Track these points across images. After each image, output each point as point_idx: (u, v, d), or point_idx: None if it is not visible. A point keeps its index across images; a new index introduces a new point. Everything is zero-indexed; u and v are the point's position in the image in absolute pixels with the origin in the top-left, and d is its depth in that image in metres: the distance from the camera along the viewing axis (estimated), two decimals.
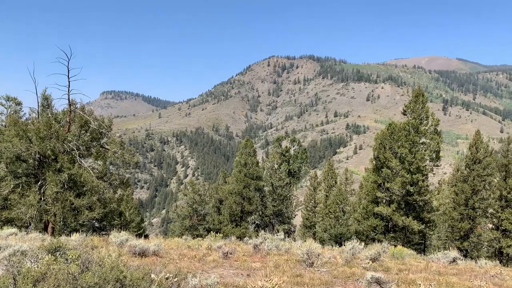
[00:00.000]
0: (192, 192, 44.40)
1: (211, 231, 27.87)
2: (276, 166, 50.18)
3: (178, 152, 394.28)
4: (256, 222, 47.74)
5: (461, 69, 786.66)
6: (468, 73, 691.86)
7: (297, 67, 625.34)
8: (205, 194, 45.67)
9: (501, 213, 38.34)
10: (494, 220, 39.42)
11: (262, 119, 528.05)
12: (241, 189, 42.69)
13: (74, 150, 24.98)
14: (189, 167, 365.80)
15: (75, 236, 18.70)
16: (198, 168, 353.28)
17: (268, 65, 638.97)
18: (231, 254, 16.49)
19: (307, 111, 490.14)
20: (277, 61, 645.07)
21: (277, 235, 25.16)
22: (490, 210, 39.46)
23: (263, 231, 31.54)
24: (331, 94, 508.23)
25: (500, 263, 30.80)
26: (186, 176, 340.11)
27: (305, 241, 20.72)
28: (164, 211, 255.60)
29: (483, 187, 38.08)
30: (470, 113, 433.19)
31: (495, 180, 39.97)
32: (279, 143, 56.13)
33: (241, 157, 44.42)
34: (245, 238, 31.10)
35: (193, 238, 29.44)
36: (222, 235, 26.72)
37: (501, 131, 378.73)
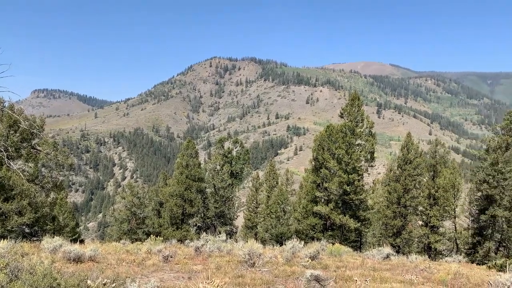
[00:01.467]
0: (131, 195, 43.06)
1: (151, 235, 27.21)
2: (218, 167, 49.98)
3: (116, 153, 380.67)
4: (198, 224, 47.26)
5: (394, 74, 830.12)
6: (400, 78, 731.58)
7: (239, 69, 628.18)
8: (144, 197, 44.48)
9: (430, 210, 40.97)
10: (424, 217, 42.02)
11: (204, 120, 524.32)
12: (182, 191, 42.08)
13: (2, 151, 23.31)
14: (127, 169, 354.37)
15: (3, 243, 17.47)
16: (137, 170, 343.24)
17: (210, 66, 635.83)
18: (171, 257, 16.22)
19: (249, 112, 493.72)
20: (219, 62, 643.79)
21: (219, 237, 25.09)
22: (420, 208, 42.00)
23: (204, 233, 31.30)
24: (273, 96, 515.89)
25: (428, 257, 32.85)
26: (124, 178, 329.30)
27: (247, 241, 20.86)
28: (100, 215, 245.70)
29: (414, 186, 40.44)
30: (402, 116, 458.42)
31: (424, 179, 42.63)
32: (221, 144, 56.01)
33: (182, 159, 43.78)
34: (186, 241, 30.71)
35: (132, 242, 28.59)
36: (162, 238, 26.17)
37: (430, 133, 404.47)
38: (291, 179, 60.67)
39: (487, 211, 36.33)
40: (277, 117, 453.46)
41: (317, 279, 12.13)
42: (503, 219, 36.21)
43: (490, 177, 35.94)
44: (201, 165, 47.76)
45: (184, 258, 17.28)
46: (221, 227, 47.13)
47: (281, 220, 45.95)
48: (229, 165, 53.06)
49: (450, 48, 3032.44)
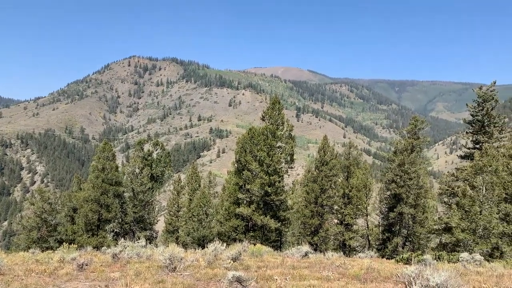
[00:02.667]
0: (41, 200, 40.04)
1: (64, 243, 25.52)
2: (137, 170, 48.30)
3: (24, 156, 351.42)
4: (116, 230, 45.26)
5: (312, 80, 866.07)
6: (317, 84, 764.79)
7: (160, 69, 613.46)
8: (56, 203, 41.59)
9: (344, 209, 43.23)
10: (339, 215, 44.22)
11: (122, 121, 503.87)
12: (98, 195, 40.05)
13: None
14: (37, 173, 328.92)
15: None
16: (48, 174, 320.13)
17: (129, 65, 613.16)
18: (87, 265, 15.35)
19: (170, 114, 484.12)
20: (138, 61, 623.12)
21: (138, 242, 24.26)
22: (336, 207, 44.14)
23: (123, 239, 30.05)
24: (195, 98, 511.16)
25: (344, 254, 34.65)
26: (33, 183, 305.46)
27: (168, 246, 20.39)
28: (6, 223, 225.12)
29: (330, 186, 42.40)
30: (319, 120, 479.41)
31: (339, 179, 44.91)
32: (141, 146, 54.21)
33: (98, 162, 41.67)
34: (103, 248, 29.24)
35: (43, 251, 26.60)
36: (76, 246, 24.67)
37: (344, 137, 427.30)
38: (213, 181, 60.46)
39: (395, 209, 39.18)
40: (199, 119, 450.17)
41: (239, 280, 12.21)
42: (409, 215, 39.31)
43: (398, 177, 38.82)
44: (119, 168, 45.83)
45: (101, 265, 16.44)
46: (140, 232, 45.59)
47: (203, 223, 45.61)
48: (149, 168, 51.53)
49: (362, 56, 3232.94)
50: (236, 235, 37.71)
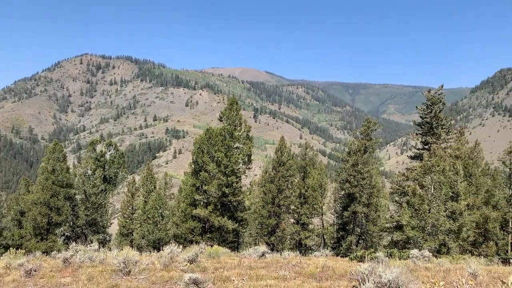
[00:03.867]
0: None
1: (10, 248, 24.25)
2: (89, 172, 46.74)
3: None
4: (66, 233, 43.59)
5: (269, 81, 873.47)
6: (274, 85, 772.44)
7: (113, 68, 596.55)
8: (2, 206, 39.49)
9: (301, 208, 43.89)
10: (295, 215, 44.84)
11: (74, 121, 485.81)
12: (48, 198, 38.39)
13: None
14: None
15: None
16: None
17: (81, 63, 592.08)
18: (35, 271, 14.66)
19: (125, 113, 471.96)
20: (91, 59, 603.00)
21: (91, 246, 23.47)
22: (292, 207, 44.73)
23: (74, 243, 28.99)
24: (150, 97, 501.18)
25: (300, 253, 35.13)
26: None
27: (122, 249, 19.86)
28: None
29: (287, 186, 42.90)
30: (276, 121, 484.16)
31: (296, 180, 45.55)
32: (93, 147, 52.49)
33: (48, 163, 39.96)
34: (53, 253, 28.08)
35: None
36: (24, 251, 23.52)
37: (301, 137, 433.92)
38: (170, 182, 59.61)
39: (349, 208, 40.22)
40: (155, 119, 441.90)
41: (196, 282, 12.09)
42: (362, 214, 40.47)
43: (351, 177, 39.89)
44: (70, 170, 44.19)
45: (51, 271, 15.75)
46: (93, 235, 44.14)
47: (158, 225, 44.83)
48: (102, 169, 50.02)
49: (318, 59, 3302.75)
50: (193, 237, 37.31)
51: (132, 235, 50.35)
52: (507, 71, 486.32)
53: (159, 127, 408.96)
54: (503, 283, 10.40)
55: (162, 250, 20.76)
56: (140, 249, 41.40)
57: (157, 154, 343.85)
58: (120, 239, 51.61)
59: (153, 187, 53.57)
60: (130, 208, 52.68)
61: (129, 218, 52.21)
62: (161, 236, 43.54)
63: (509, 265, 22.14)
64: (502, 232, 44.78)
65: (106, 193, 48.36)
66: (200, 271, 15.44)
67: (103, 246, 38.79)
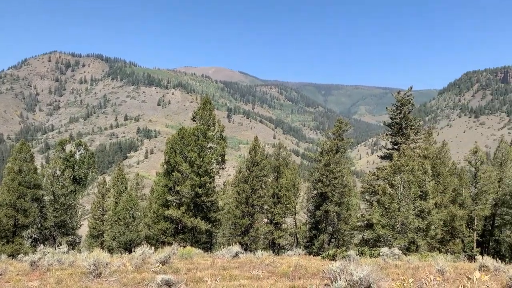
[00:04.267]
0: None
1: None
2: (58, 172, 45.51)
3: None
4: (34, 236, 42.30)
5: (243, 81, 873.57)
6: (248, 86, 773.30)
7: (83, 66, 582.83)
8: None
9: (274, 208, 44.10)
10: (269, 215, 45.02)
11: (42, 120, 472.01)
12: (14, 199, 37.15)
13: None
14: None
15: None
16: None
17: (49, 61, 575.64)
18: (1, 275, 14.22)
19: (95, 113, 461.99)
20: (60, 57, 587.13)
21: (60, 249, 22.89)
22: (266, 207, 44.90)
23: (42, 245, 28.17)
24: (121, 96, 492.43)
25: (273, 252, 35.29)
26: None
27: (92, 251, 19.46)
28: None
29: (260, 186, 43.03)
30: (250, 121, 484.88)
31: (269, 180, 45.75)
32: (62, 147, 51.18)
33: (14, 163, 38.67)
34: (19, 256, 27.20)
35: None
36: None
37: (274, 137, 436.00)
38: (141, 183, 58.83)
39: (321, 207, 40.70)
40: (126, 119, 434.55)
41: (168, 283, 11.98)
42: (334, 213, 41.03)
43: (324, 176, 40.37)
44: (38, 170, 42.92)
45: (17, 274, 15.26)
46: (62, 237, 43.01)
47: (130, 227, 44.17)
48: (71, 170, 48.83)
49: (291, 60, 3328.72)
50: (165, 238, 36.92)
51: (103, 237, 49.41)
52: (472, 74, 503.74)
53: (130, 127, 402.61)
54: (469, 279, 10.75)
55: (134, 251, 20.43)
56: (111, 251, 40.64)
57: (128, 154, 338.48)
58: (90, 241, 50.58)
59: (124, 187, 52.74)
60: (100, 209, 51.68)
61: (99, 220, 51.22)
62: (132, 237, 42.87)
63: (474, 262, 22.90)
64: (468, 229, 46.30)
65: (75, 194, 47.25)
66: (172, 272, 15.30)
67: (72, 248, 37.86)
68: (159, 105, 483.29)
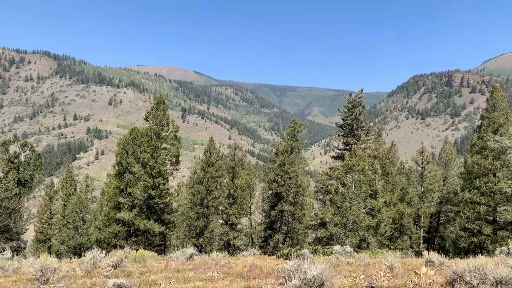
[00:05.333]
0: None
1: None
2: (1, 174, 43.09)
3: None
4: None
5: (198, 81, 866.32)
6: (203, 85, 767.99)
7: (29, 63, 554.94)
8: None
9: (229, 209, 44.05)
10: (224, 216, 44.92)
11: None
12: None
13: None
14: None
15: None
16: None
17: None
18: None
19: (42, 112, 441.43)
20: (3, 53, 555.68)
21: (3, 255, 21.66)
22: (221, 208, 44.77)
23: None
24: (70, 95, 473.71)
25: (228, 253, 35.19)
26: None
27: (39, 256, 18.59)
28: None
29: (216, 187, 42.86)
30: (205, 122, 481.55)
31: (225, 180, 45.65)
32: (5, 147, 48.44)
33: None
34: None
35: None
36: None
37: (230, 138, 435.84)
38: (91, 185, 57.03)
39: (276, 207, 41.10)
40: (75, 118, 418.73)
41: (120, 287, 11.66)
42: (289, 213, 41.57)
43: (279, 176, 40.81)
44: None
45: None
46: (5, 243, 40.74)
47: (79, 230, 42.67)
48: (15, 172, 46.38)
49: (246, 60, 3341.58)
50: (117, 241, 35.88)
51: (51, 241, 47.49)
52: (419, 78, 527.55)
53: (80, 127, 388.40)
54: (416, 274, 11.25)
55: (84, 256, 19.73)
56: (59, 255, 39.05)
57: (77, 155, 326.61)
58: (37, 245, 48.46)
59: (73, 190, 50.96)
60: (48, 212, 49.63)
61: (46, 223, 49.17)
62: (82, 241, 41.43)
63: (421, 257, 23.97)
64: (415, 226, 48.46)
65: (20, 197, 44.92)
66: (125, 276, 14.91)
67: (17, 254, 35.94)
68: (110, 104, 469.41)
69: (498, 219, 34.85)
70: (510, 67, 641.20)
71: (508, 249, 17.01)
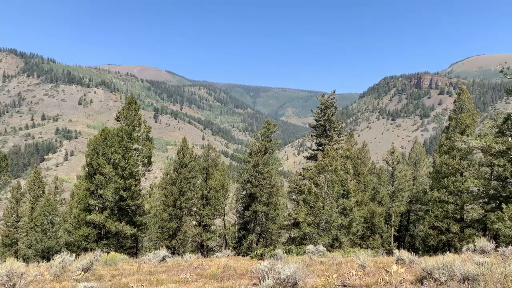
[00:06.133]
0: None
1: None
2: None
3: None
4: None
5: (170, 81, 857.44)
6: (176, 85, 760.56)
7: None
8: None
9: (203, 210, 43.77)
10: (197, 217, 44.60)
11: None
12: None
13: None
14: None
15: None
16: None
17: None
18: None
19: (8, 112, 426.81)
20: None
21: None
22: (194, 209, 44.45)
23: None
24: (38, 95, 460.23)
25: (202, 255, 34.95)
26: None
27: (5, 261, 17.96)
28: None
29: (189, 188, 42.53)
30: (178, 122, 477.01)
31: (198, 181, 45.35)
32: None
33: None
34: None
35: None
36: None
37: (203, 139, 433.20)
38: (60, 187, 55.65)
39: (250, 207, 41.13)
40: (43, 119, 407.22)
41: None
42: (263, 213, 41.68)
43: (253, 177, 40.85)
44: None
45: None
46: None
47: (48, 233, 41.53)
48: None
49: (220, 61, 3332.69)
50: (88, 244, 35.08)
51: (17, 245, 46.09)
52: (390, 79, 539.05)
53: (49, 127, 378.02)
54: (387, 272, 11.47)
55: (53, 259, 19.18)
56: (26, 260, 37.91)
57: (46, 156, 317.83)
58: (3, 250, 46.95)
59: (41, 192, 49.60)
60: (14, 215, 48.12)
61: (13, 227, 47.66)
62: (51, 244, 40.35)
63: (392, 256, 24.49)
64: (386, 225, 49.41)
65: None
66: (95, 279, 14.59)
67: None
68: (80, 104, 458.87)
69: (465, 217, 35.98)
70: (476, 69, 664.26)
71: (475, 246, 17.57)
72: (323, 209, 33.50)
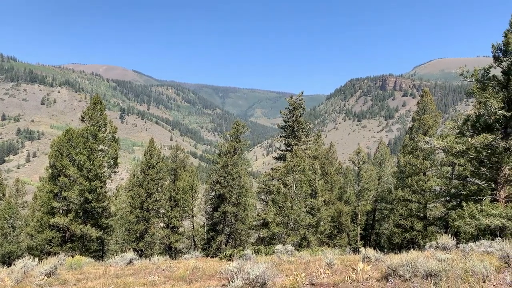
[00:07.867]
0: None
1: None
2: None
3: None
4: None
5: (137, 80, 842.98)
6: (143, 85, 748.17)
7: None
8: None
9: (171, 212, 43.29)
10: (165, 219, 44.06)
11: None
12: None
13: None
14: None
15: None
16: None
17: None
18: None
19: None
20: None
21: None
22: (162, 210, 43.87)
23: None
24: None
25: (170, 257, 34.56)
26: None
27: None
28: None
29: (156, 190, 41.94)
30: (145, 122, 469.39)
31: (166, 183, 44.81)
32: None
33: None
34: None
35: None
36: None
37: (171, 139, 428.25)
38: (22, 189, 53.72)
39: (219, 208, 41.00)
40: (4, 119, 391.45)
41: None
42: (232, 214, 41.62)
43: (222, 178, 40.75)
44: None
45: None
46: None
47: (9, 238, 40.03)
48: None
49: (188, 60, 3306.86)
50: (51, 248, 34.04)
51: None
52: (356, 81, 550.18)
53: (9, 127, 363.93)
54: (354, 270, 11.72)
55: (14, 264, 18.49)
56: None
57: (6, 158, 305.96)
58: None
59: (1, 194, 47.77)
60: None
61: None
62: (12, 249, 38.91)
63: (358, 254, 25.00)
64: (352, 224, 50.41)
65: None
66: (59, 284, 14.19)
67: None
68: (43, 104, 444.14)
69: (428, 215, 37.16)
70: (437, 72, 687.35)
71: (437, 243, 18.18)
72: (292, 209, 33.82)
